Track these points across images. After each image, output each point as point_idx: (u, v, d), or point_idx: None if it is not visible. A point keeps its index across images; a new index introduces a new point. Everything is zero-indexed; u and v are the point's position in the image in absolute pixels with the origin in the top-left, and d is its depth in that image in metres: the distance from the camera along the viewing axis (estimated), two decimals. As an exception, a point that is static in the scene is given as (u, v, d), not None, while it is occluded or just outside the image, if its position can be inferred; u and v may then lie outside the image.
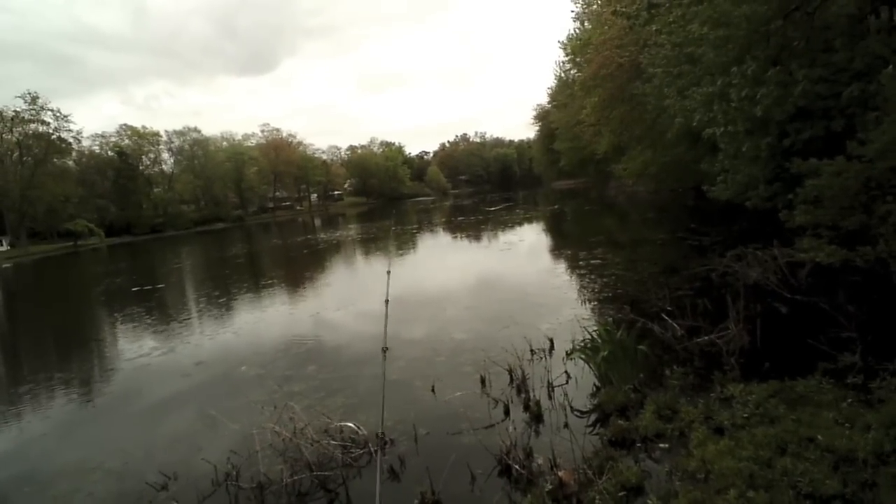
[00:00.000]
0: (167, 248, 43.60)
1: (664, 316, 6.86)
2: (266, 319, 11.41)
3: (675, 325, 6.52)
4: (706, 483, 3.52)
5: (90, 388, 8.34)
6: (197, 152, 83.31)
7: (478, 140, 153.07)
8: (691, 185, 24.53)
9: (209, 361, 8.70)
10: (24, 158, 60.37)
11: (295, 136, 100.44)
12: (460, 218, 39.89)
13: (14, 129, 59.52)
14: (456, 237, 27.35)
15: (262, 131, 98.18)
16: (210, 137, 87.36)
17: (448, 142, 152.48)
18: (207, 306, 14.01)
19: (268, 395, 6.51)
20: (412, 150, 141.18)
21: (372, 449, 4.76)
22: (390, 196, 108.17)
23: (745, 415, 4.34)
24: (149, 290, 18.66)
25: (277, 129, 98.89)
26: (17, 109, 58.47)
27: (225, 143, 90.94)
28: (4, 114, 58.56)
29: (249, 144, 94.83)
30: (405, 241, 25.04)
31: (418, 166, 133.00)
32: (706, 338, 6.16)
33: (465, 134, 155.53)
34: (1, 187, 57.08)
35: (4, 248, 54.99)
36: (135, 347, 10.16)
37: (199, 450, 5.30)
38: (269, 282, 18.02)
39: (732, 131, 11.55)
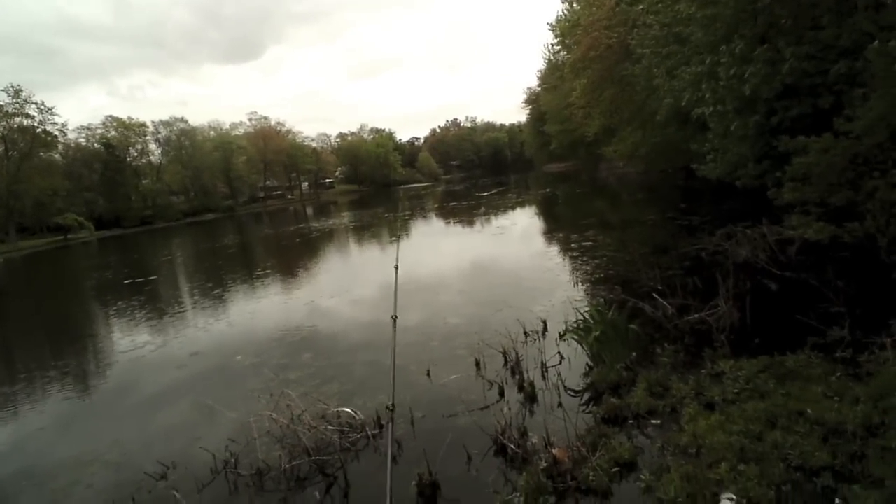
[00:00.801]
0: (158, 239, 43.26)
1: (655, 295, 6.91)
2: (260, 309, 11.40)
3: (666, 304, 6.57)
4: (698, 457, 3.60)
5: (86, 381, 8.34)
6: (184, 142, 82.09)
7: (469, 125, 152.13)
8: (681, 165, 24.53)
9: (204, 352, 8.70)
10: (10, 153, 59.25)
11: (283, 124, 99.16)
12: (452, 203, 39.78)
13: (-2, 124, 58.57)
14: (448, 222, 27.33)
15: (250, 120, 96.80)
16: (197, 127, 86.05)
17: (439, 127, 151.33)
18: (201, 298, 13.97)
19: (264, 383, 6.54)
20: (403, 136, 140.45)
21: (369, 433, 4.83)
22: (382, 183, 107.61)
23: (736, 390, 4.41)
24: (141, 282, 18.58)
25: (265, 118, 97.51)
26: (1, 103, 57.47)
27: (212, 133, 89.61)
28: (-12, 107, 57.58)
29: (237, 133, 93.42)
30: (397, 228, 24.95)
31: (409, 152, 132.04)
32: (696, 316, 6.23)
33: (456, 119, 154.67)
34: (-14, 182, 56.33)
35: (-7, 243, 54.37)
36: (129, 340, 10.14)
37: (197, 439, 5.33)
38: (262, 272, 17.94)
39: (721, 110, 11.60)
